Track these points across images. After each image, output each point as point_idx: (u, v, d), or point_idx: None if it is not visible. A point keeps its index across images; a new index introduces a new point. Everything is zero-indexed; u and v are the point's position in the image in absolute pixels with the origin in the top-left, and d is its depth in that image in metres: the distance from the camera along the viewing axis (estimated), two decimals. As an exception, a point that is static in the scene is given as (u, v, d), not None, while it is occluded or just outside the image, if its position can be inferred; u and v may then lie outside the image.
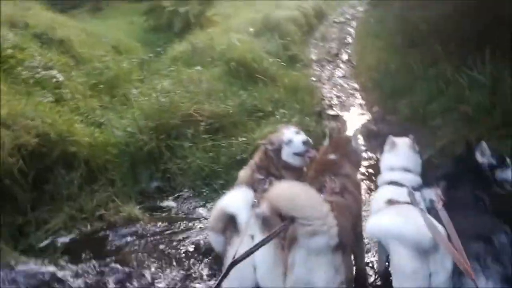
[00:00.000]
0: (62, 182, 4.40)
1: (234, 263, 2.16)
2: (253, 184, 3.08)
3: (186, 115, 5.41)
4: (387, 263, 3.16)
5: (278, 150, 3.27)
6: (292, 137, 3.30)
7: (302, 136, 3.34)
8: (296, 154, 3.29)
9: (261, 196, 2.80)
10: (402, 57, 7.17)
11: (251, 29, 9.62)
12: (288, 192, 2.29)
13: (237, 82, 6.68)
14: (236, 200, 2.82)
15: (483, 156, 3.10)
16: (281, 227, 2.34)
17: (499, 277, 2.23)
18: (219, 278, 2.13)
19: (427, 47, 6.58)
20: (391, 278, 2.73)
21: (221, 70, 7.06)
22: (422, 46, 6.87)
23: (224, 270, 2.52)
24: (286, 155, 3.27)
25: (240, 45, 7.66)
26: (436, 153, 4.80)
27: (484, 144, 3.12)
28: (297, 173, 3.30)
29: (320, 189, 2.84)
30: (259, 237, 2.49)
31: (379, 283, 3.21)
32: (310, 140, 3.33)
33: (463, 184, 2.98)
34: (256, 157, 3.35)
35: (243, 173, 3.29)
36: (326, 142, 3.33)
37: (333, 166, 3.06)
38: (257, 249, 2.27)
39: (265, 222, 2.58)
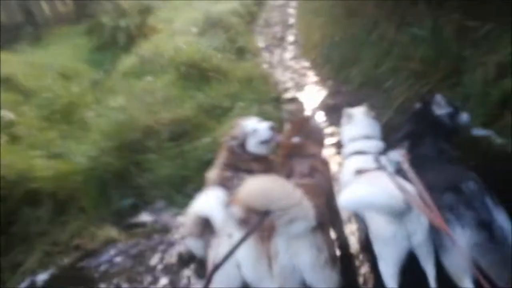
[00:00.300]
0: (30, 221, 4.32)
1: (216, 267, 2.16)
2: (223, 183, 3.07)
3: (146, 127, 5.37)
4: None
5: (242, 144, 3.26)
6: (255, 126, 3.29)
7: (266, 123, 3.34)
8: (263, 142, 3.29)
9: (232, 195, 2.80)
10: (344, 28, 7.25)
11: (195, 29, 9.56)
12: (257, 189, 2.27)
13: (190, 84, 6.64)
14: (207, 202, 2.80)
15: (440, 107, 3.19)
16: (256, 223, 2.34)
17: (474, 223, 2.29)
18: (204, 285, 2.10)
19: (366, 13, 6.66)
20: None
21: (173, 76, 7.02)
22: (361, 12, 6.93)
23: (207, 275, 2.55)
24: (253, 145, 3.26)
25: (187, 48, 7.65)
26: (394, 114, 4.90)
27: (439, 97, 3.22)
28: (265, 163, 3.31)
29: (289, 174, 2.88)
30: (237, 235, 2.49)
31: (363, 251, 3.26)
32: (275, 125, 3.34)
33: (425, 139, 3.05)
34: (221, 156, 3.33)
35: (211, 174, 3.27)
36: (286, 126, 3.35)
37: (298, 149, 3.08)
38: (237, 248, 2.28)
39: (240, 220, 2.59)
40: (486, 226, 2.28)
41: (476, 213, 2.31)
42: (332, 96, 6.38)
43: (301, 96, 6.77)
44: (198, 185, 4.32)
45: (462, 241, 2.29)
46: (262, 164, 3.29)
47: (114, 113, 5.75)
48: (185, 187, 4.62)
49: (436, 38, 5.00)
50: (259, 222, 2.34)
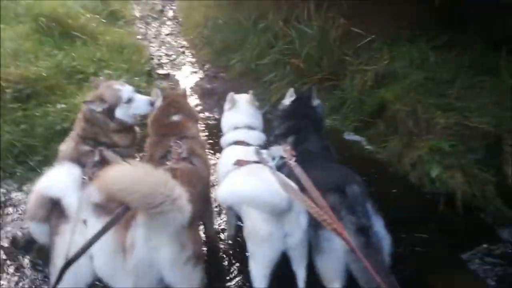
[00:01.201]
0: None
1: (69, 263, 1.71)
2: (79, 159, 2.56)
3: (-13, 81, 4.47)
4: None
5: (110, 110, 2.77)
6: (132, 95, 2.84)
7: (145, 96, 2.94)
8: (137, 115, 2.89)
9: (92, 175, 2.37)
10: (229, 12, 7.03)
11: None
12: (126, 178, 1.83)
13: (49, 40, 5.79)
14: (59, 180, 2.31)
15: (315, 99, 3.14)
16: (118, 214, 1.93)
17: (352, 227, 2.17)
18: (54, 283, 1.64)
19: (255, 0, 6.50)
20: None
21: (29, 27, 6.05)
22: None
23: (51, 265, 2.20)
24: (123, 115, 2.81)
25: (50, -1, 6.66)
26: (271, 109, 4.77)
27: (314, 88, 3.20)
28: (131, 136, 2.90)
29: (165, 156, 2.52)
30: (92, 222, 2.13)
31: (230, 249, 3.03)
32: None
33: (309, 134, 2.92)
34: (78, 126, 2.77)
35: (65, 147, 2.71)
36: (159, 102, 2.92)
37: (177, 128, 2.72)
38: (95, 241, 1.86)
39: (97, 205, 2.19)
40: (363, 232, 2.18)
41: (356, 217, 2.21)
42: (208, 80, 6.08)
43: (176, 75, 6.36)
44: (45, 158, 3.84)
45: (338, 245, 2.18)
46: (127, 138, 2.87)
47: None
48: (28, 158, 3.90)
49: (322, 38, 5.01)
50: (121, 214, 1.93)
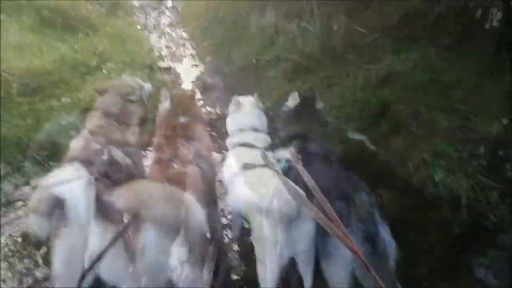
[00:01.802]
0: None
1: (84, 275, 1.79)
2: (88, 158, 2.54)
3: (-9, 75, 4.47)
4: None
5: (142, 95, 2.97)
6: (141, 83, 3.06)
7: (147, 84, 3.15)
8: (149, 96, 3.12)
9: (98, 174, 2.39)
10: (230, 5, 6.98)
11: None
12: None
13: (52, 33, 5.81)
14: (67, 181, 2.27)
15: (319, 102, 3.18)
16: (130, 221, 1.96)
17: (361, 235, 2.21)
18: None
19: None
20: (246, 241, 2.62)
21: (32, 20, 6.05)
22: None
23: (52, 268, 2.14)
24: (147, 97, 3.07)
25: (52, -11, 6.60)
26: (273, 105, 4.77)
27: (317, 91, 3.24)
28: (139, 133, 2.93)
29: (172, 158, 2.53)
30: (91, 227, 2.13)
31: (235, 248, 3.08)
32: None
33: (314, 139, 2.93)
34: (91, 122, 2.76)
35: (75, 144, 2.67)
36: (167, 103, 2.94)
37: (185, 130, 2.74)
38: (108, 250, 1.88)
39: (104, 210, 2.19)
40: (370, 240, 2.23)
41: (364, 225, 2.25)
42: (210, 74, 6.07)
43: (177, 67, 6.35)
44: (52, 152, 3.80)
45: (345, 252, 2.14)
46: (138, 134, 2.88)
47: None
48: (35, 152, 3.88)
49: (324, 36, 5.00)
50: (131, 223, 1.97)
